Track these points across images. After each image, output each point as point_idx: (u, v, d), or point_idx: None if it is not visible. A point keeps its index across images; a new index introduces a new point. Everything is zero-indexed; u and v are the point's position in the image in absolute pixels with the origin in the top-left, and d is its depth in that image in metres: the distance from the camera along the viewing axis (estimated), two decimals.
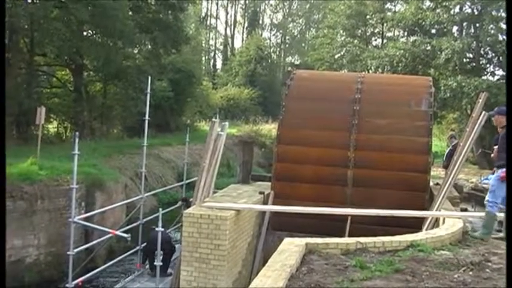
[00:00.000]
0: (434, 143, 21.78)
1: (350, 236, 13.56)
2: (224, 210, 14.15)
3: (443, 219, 13.85)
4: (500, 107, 13.38)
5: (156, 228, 16.72)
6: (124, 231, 18.34)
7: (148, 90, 20.58)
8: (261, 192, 17.29)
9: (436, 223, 14.69)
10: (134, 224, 20.38)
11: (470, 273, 8.71)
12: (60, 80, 40.42)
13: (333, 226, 15.67)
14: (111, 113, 42.96)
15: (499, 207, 12.36)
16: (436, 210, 14.82)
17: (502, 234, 12.60)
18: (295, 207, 15.31)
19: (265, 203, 17.10)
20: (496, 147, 13.18)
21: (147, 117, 20.14)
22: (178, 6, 40.72)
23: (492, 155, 15.11)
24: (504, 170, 12.14)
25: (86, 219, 18.69)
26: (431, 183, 18.33)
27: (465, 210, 16.69)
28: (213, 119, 16.47)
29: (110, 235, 18.20)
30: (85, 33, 38.07)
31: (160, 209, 16.67)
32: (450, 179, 15.18)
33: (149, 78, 21.39)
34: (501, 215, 13.98)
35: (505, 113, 12.48)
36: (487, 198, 12.53)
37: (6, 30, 28.55)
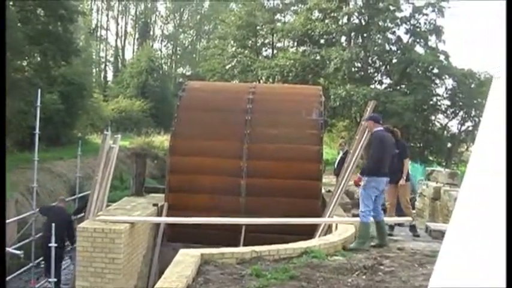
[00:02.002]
0: (325, 151, 22.07)
1: (246, 245, 13.64)
2: (118, 223, 14.00)
3: (336, 225, 14.15)
4: (372, 114, 13.95)
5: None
6: (16, 248, 17.96)
7: (39, 103, 20.13)
8: (154, 204, 17.16)
9: (329, 229, 14.96)
10: (26, 240, 19.91)
11: (364, 277, 8.93)
12: None
13: (228, 236, 15.73)
14: None
15: (371, 215, 12.63)
16: (329, 216, 15.08)
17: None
18: (188, 218, 15.33)
19: (159, 214, 16.98)
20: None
21: (37, 130, 19.68)
22: (68, 18, 39.74)
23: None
24: (360, 176, 12.62)
25: None
26: (323, 191, 18.63)
27: (357, 215, 17.06)
28: (105, 132, 16.30)
29: None
30: None
31: (53, 224, 16.36)
32: (341, 186, 15.47)
33: (39, 91, 20.95)
34: (389, 219, 14.44)
35: (375, 119, 13.04)
36: (360, 209, 12.81)
37: None
